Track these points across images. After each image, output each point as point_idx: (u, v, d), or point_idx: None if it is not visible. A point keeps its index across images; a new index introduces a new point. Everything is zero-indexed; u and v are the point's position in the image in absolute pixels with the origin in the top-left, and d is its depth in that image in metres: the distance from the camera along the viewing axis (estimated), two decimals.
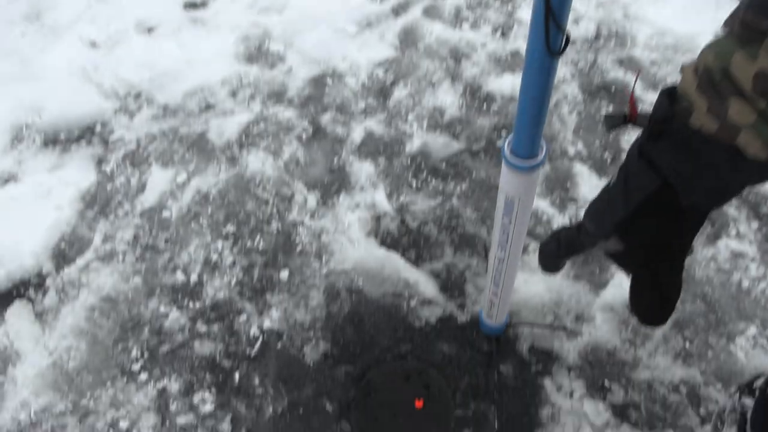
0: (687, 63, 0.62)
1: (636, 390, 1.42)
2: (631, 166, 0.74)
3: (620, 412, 1.39)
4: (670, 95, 0.71)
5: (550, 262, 1.47)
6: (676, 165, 0.63)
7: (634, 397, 1.41)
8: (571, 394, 1.42)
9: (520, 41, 2.24)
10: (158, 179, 1.94)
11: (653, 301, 0.98)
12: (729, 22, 0.53)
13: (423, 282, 1.62)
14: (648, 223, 0.88)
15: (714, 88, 0.49)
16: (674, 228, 0.84)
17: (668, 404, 1.40)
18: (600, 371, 1.45)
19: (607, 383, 1.43)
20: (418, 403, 1.43)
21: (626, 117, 0.90)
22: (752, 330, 1.51)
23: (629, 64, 2.16)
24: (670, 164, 0.64)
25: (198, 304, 1.63)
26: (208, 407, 1.45)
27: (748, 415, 0.69)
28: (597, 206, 1.06)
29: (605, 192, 0.98)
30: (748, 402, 0.75)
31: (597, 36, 2.26)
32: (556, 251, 1.38)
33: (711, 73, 0.50)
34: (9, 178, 1.98)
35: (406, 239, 1.74)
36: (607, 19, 2.32)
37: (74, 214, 1.87)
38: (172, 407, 1.45)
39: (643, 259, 0.96)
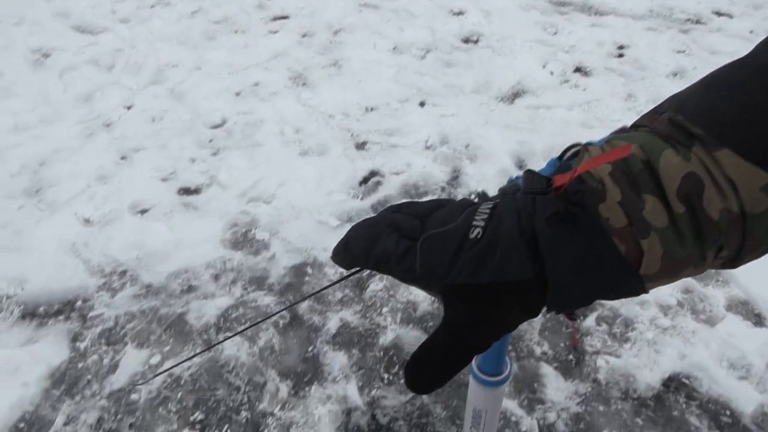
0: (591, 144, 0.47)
1: None
2: (505, 240, 0.43)
3: None
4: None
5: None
6: (572, 260, 0.41)
7: None
8: None
9: None
10: (131, 360, 1.94)
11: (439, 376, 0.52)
12: (647, 122, 0.45)
13: None
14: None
15: (630, 179, 0.40)
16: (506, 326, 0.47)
17: None
18: None
19: None
20: None
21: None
22: None
23: None
24: (563, 257, 0.41)
25: None
26: None
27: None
28: (437, 247, 0.50)
29: (446, 236, 0.47)
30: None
31: None
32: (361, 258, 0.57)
33: (630, 162, 0.41)
34: None
35: None
36: None
37: (40, 392, 1.84)
38: None
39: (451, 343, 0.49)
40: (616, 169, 0.41)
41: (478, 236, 0.43)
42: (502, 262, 0.41)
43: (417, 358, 0.45)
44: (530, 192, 0.43)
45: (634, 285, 0.41)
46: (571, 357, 1.98)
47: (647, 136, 0.43)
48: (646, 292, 0.41)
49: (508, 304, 0.42)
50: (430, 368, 0.44)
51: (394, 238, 0.45)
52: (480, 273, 0.42)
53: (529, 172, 0.45)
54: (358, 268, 0.49)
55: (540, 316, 2.13)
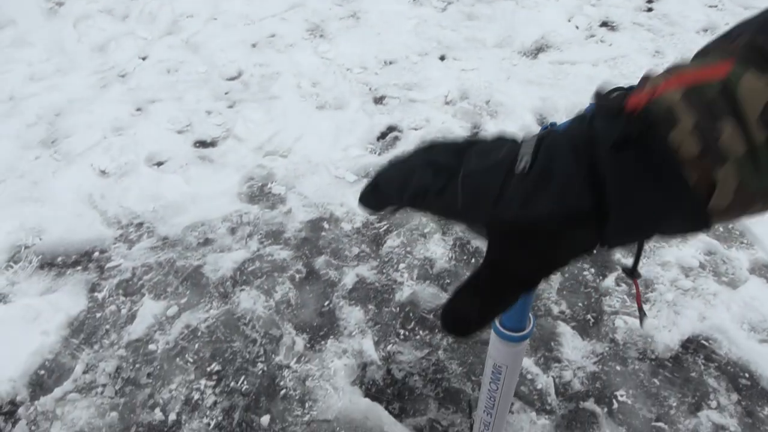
0: (652, 71, 0.44)
1: None
2: (561, 168, 0.40)
3: None
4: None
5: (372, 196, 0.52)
6: (636, 188, 0.38)
7: None
8: None
9: None
10: (148, 311, 1.95)
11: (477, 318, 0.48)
12: (721, 45, 0.43)
13: None
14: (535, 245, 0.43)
15: (704, 104, 0.37)
16: (559, 259, 0.44)
17: None
18: None
19: None
20: None
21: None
22: None
23: None
24: (626, 184, 0.38)
25: None
26: None
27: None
28: (481, 179, 0.44)
29: (490, 168, 0.43)
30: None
31: None
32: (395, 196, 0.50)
33: (704, 87, 0.38)
34: None
35: (390, 390, 1.73)
36: None
37: (59, 340, 1.86)
38: None
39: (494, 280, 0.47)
40: (688, 94, 0.37)
41: (526, 167, 0.39)
42: (557, 192, 0.38)
43: (457, 298, 0.42)
44: (602, 107, 0.40)
45: (700, 219, 0.38)
46: (589, 317, 1.96)
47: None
48: (709, 228, 0.39)
49: (561, 238, 0.39)
50: (472, 309, 0.42)
51: (430, 172, 0.42)
52: (532, 205, 0.39)
53: (602, 90, 0.41)
54: (395, 206, 0.45)
55: (559, 275, 2.11)
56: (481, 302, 0.42)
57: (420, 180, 0.42)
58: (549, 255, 0.40)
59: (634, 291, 2.06)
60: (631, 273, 0.61)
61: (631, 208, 0.38)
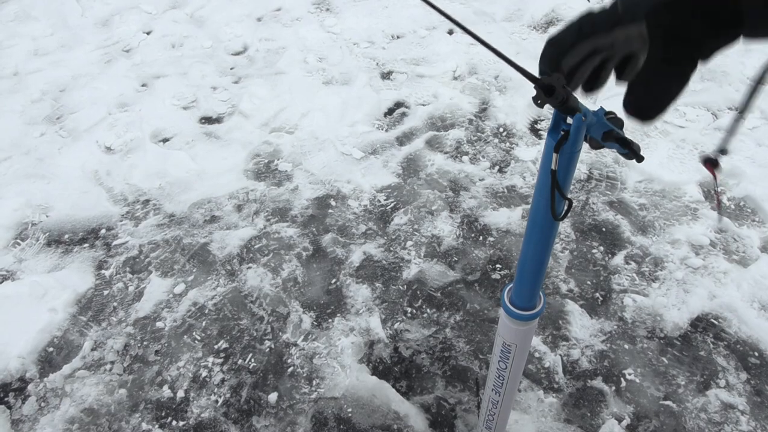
0: None
1: None
2: None
3: None
4: None
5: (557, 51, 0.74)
6: None
7: None
8: None
9: (516, 177, 2.36)
10: (156, 288, 1.95)
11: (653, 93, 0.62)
12: None
13: (413, 416, 1.60)
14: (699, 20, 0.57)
15: None
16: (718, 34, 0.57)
17: None
18: None
19: None
20: None
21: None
22: None
23: (619, 207, 2.27)
24: None
25: (182, 424, 1.59)
26: None
27: None
28: None
29: None
30: None
31: (589, 178, 2.39)
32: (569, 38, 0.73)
33: None
34: (7, 277, 1.99)
35: (398, 368, 1.73)
36: (597, 163, 2.46)
37: (67, 318, 1.87)
38: None
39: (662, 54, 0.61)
40: None
41: None
42: None
43: (640, 81, 0.58)
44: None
45: None
46: (597, 295, 1.95)
47: None
48: None
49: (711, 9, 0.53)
50: (656, 85, 0.56)
51: (590, 12, 0.61)
52: None
53: None
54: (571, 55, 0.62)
55: (568, 253, 2.09)
56: (664, 78, 0.57)
57: (583, 18, 0.59)
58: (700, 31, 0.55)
59: (644, 269, 2.04)
60: (713, 163, 0.69)
61: None
